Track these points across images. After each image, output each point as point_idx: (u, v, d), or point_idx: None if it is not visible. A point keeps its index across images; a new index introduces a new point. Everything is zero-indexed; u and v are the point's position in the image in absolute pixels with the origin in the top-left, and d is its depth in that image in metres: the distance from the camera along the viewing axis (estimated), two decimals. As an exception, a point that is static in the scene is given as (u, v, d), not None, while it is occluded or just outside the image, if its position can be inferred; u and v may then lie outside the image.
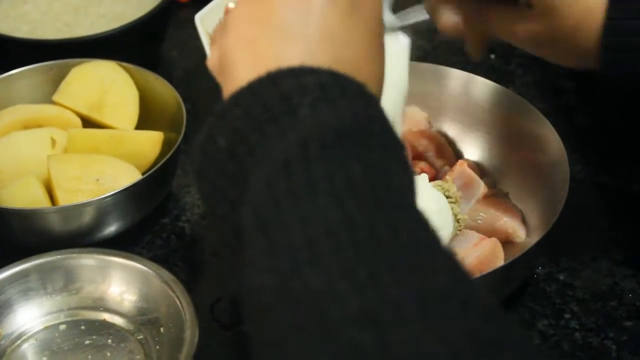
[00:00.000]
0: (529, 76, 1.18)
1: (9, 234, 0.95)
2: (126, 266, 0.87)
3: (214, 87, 1.11)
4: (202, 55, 1.24)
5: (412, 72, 0.75)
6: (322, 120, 0.51)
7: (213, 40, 0.62)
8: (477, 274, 0.83)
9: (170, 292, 0.85)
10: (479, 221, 0.94)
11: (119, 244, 0.94)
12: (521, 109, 0.97)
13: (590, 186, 1.02)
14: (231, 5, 0.64)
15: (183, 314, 0.83)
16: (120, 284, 0.87)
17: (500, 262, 0.89)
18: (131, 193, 0.93)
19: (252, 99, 0.54)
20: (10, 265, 0.87)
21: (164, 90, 1.04)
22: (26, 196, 0.94)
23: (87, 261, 0.88)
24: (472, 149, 1.02)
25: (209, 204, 0.55)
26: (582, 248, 0.95)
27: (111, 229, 0.95)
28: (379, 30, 0.59)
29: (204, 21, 1.13)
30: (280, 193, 0.48)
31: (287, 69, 0.54)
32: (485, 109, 1.00)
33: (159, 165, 0.94)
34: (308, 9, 0.57)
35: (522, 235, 0.93)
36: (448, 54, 1.21)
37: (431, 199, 0.91)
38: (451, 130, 1.03)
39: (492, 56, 1.21)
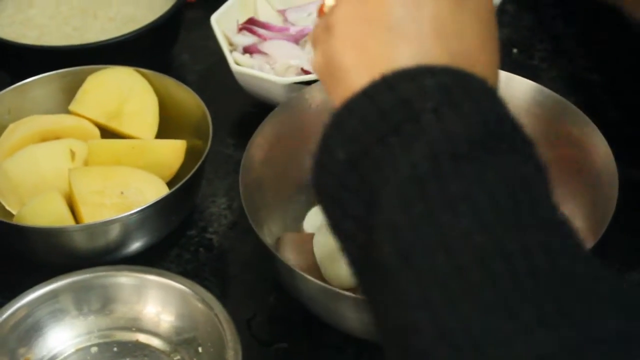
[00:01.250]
0: (554, 70, 1.15)
1: (30, 253, 0.91)
2: (160, 284, 0.83)
3: (230, 90, 1.08)
4: (216, 57, 1.20)
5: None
6: (450, 129, 0.47)
7: (315, 41, 0.58)
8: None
9: (208, 310, 0.81)
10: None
11: (146, 259, 0.91)
12: (558, 107, 0.94)
13: (631, 185, 0.98)
14: (328, 2, 0.60)
15: (223, 333, 0.79)
16: (155, 303, 0.83)
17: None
18: (160, 207, 0.89)
19: (368, 106, 0.50)
20: (39, 286, 0.83)
21: (185, 96, 1.00)
22: (49, 213, 0.90)
23: (119, 279, 0.84)
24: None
25: (331, 218, 0.52)
26: (628, 250, 0.92)
27: (138, 244, 0.91)
28: (491, 17, 0.55)
29: (220, 22, 1.09)
30: (417, 216, 0.45)
31: (403, 70, 0.50)
32: (520, 107, 0.97)
33: (187, 177, 0.90)
34: (417, 4, 0.53)
35: (566, 238, 0.89)
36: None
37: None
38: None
39: (515, 50, 1.18)
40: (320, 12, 0.62)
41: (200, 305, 0.82)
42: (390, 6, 0.53)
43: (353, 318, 0.82)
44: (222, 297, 0.88)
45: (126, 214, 0.87)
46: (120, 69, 1.01)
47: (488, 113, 0.48)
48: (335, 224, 0.51)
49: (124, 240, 0.90)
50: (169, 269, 0.91)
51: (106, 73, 1.01)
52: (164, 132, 1.01)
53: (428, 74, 0.50)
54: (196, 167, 0.91)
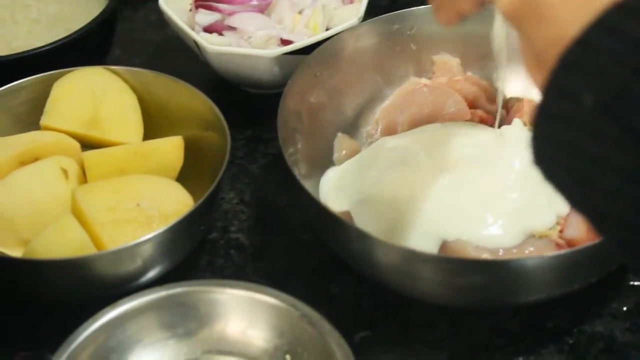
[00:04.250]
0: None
1: (47, 291, 0.78)
2: (244, 298, 0.72)
3: (182, 78, 0.97)
4: (149, 47, 1.09)
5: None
6: None
7: None
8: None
9: (302, 321, 0.71)
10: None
11: (176, 274, 0.80)
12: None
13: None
14: None
15: (324, 340, 0.70)
16: (241, 319, 0.72)
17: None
18: (191, 217, 0.77)
19: (614, 39, 0.43)
20: (112, 306, 0.71)
21: (171, 88, 0.89)
22: (67, 242, 0.77)
23: (199, 297, 0.72)
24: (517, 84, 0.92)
25: (581, 182, 0.45)
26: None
27: (169, 261, 0.79)
28: None
29: (168, 4, 0.98)
30: None
31: None
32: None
33: (217, 179, 0.79)
34: None
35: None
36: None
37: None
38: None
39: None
40: None
41: (291, 314, 0.72)
42: None
43: (441, 282, 0.74)
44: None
45: (159, 230, 0.75)
46: (88, 69, 0.89)
47: None
48: (591, 184, 0.44)
49: (155, 260, 0.78)
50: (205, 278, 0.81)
51: (73, 77, 0.88)
52: (148, 131, 0.90)
53: None
54: (224, 165, 0.80)
